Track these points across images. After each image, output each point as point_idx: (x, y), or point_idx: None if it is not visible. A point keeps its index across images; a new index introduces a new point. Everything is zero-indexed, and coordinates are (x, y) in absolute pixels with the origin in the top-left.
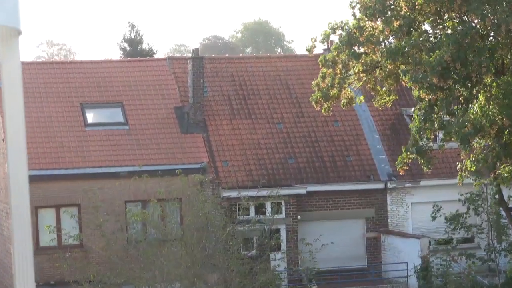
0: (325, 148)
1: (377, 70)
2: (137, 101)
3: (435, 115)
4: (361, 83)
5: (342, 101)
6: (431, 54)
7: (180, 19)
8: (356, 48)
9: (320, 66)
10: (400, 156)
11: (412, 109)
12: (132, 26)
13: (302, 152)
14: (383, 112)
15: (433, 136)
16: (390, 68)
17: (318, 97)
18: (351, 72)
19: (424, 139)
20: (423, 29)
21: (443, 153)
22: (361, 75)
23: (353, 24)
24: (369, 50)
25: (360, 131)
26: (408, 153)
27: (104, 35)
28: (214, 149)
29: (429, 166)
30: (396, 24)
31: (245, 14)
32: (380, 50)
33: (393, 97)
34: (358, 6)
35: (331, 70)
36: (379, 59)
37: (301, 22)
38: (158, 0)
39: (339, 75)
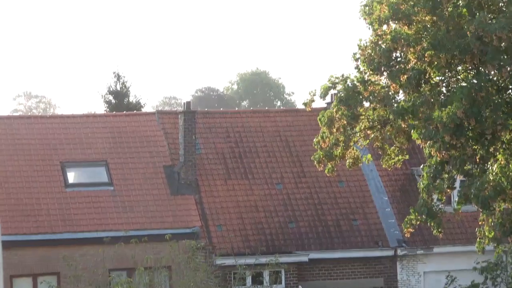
0: (329, 211)
1: (386, 127)
2: (123, 159)
3: (446, 174)
4: (367, 141)
5: (347, 161)
6: (443, 109)
7: (170, 69)
8: (360, 103)
9: (320, 124)
10: (407, 217)
11: (421, 166)
12: (118, 77)
13: (303, 216)
14: (393, 172)
15: (444, 197)
16: (400, 125)
17: (321, 156)
18: (357, 129)
19: (435, 200)
20: (434, 82)
21: (458, 217)
22: (368, 132)
23: (357, 78)
24: (375, 105)
25: (367, 192)
26: (417, 214)
27: (88, 87)
28: (207, 212)
29: (439, 230)
30: (403, 78)
31: (241, 64)
32: (387, 107)
33: (403, 157)
34: (361, 58)
35: (333, 129)
36: (387, 116)
37: (303, 72)
38: (146, 49)
39: (342, 133)
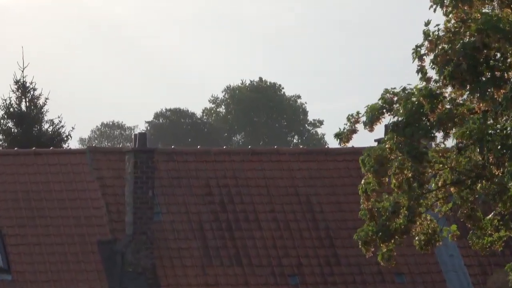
0: None
1: (480, 181)
2: (30, 228)
3: None
4: (450, 204)
5: (417, 238)
6: None
7: (112, 78)
8: (429, 135)
9: (362, 170)
10: None
11: None
12: (24, 89)
13: None
14: (488, 260)
15: None
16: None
17: (370, 233)
18: (432, 185)
19: None
20: None
21: None
22: (452, 189)
23: (425, 89)
24: (464, 141)
25: None
26: None
27: None
28: None
29: None
30: (498, 94)
31: (232, 71)
32: (482, 145)
33: (506, 233)
34: (430, 56)
35: (388, 180)
36: (483, 160)
37: (337, 88)
38: (73, 44)
39: (406, 191)
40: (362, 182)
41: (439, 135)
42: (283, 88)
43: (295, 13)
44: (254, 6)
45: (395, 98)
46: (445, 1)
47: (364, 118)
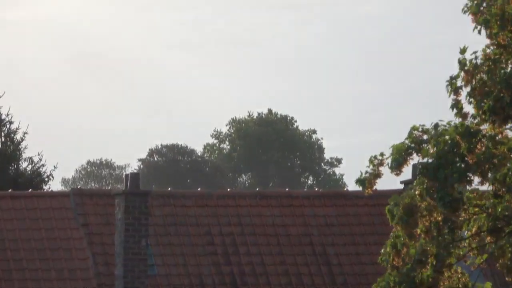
0: None
1: None
2: (6, 282)
3: None
4: (485, 256)
5: None
6: None
7: (101, 110)
8: (465, 178)
9: (390, 222)
10: None
11: None
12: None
13: None
14: None
15: None
16: None
17: (391, 284)
18: (465, 232)
19: None
20: None
21: None
22: (488, 238)
23: (457, 127)
24: (499, 188)
25: None
26: None
27: None
28: None
29: None
30: None
31: (238, 102)
32: None
33: None
34: (467, 89)
35: (417, 229)
36: None
37: (353, 123)
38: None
39: (435, 238)
40: (390, 235)
41: (476, 178)
42: (295, 121)
43: (310, 34)
44: (264, 28)
45: (425, 137)
46: (490, 23)
47: (389, 161)
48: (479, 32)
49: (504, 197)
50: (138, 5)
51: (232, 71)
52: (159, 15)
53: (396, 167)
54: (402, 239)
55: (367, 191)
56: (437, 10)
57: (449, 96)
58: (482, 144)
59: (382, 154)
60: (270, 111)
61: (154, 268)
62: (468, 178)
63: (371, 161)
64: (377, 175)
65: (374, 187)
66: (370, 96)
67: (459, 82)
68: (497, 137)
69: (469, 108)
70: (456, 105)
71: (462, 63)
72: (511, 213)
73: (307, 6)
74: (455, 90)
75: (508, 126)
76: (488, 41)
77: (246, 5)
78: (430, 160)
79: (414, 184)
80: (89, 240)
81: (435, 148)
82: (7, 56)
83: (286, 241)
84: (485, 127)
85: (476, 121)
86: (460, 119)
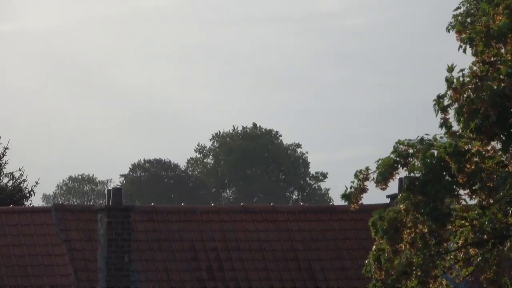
0: None
1: (505, 243)
2: None
3: None
4: (471, 268)
5: None
6: None
7: (82, 124)
8: (452, 193)
9: (373, 234)
10: None
11: None
12: None
13: None
14: None
15: None
16: None
17: None
18: (452, 245)
19: None
20: None
21: None
22: (471, 251)
23: (446, 146)
24: (485, 199)
25: None
26: None
27: None
28: None
29: None
30: None
31: (222, 117)
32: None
33: None
34: (454, 106)
35: (402, 242)
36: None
37: (339, 137)
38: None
39: (420, 249)
40: (373, 248)
41: (463, 192)
42: (280, 135)
43: (294, 46)
44: (249, 41)
45: (411, 151)
46: (475, 40)
47: (375, 175)
48: (464, 51)
49: (490, 209)
50: (124, 17)
51: (216, 85)
52: (141, 25)
53: (382, 181)
54: (386, 254)
55: (352, 206)
56: (424, 23)
57: (436, 115)
58: (471, 164)
59: (367, 169)
60: (254, 125)
61: (137, 284)
62: (456, 193)
63: (356, 176)
64: (362, 189)
65: (360, 202)
66: (356, 110)
67: (446, 101)
68: (484, 153)
69: (458, 127)
70: (445, 124)
71: (449, 81)
72: (495, 226)
73: (293, 20)
74: (443, 109)
75: (494, 143)
76: (474, 59)
77: (231, 19)
78: (417, 175)
79: (399, 198)
80: (71, 256)
81: (421, 163)
82: None
83: (271, 256)
84: (473, 144)
85: (464, 140)
86: (448, 139)
